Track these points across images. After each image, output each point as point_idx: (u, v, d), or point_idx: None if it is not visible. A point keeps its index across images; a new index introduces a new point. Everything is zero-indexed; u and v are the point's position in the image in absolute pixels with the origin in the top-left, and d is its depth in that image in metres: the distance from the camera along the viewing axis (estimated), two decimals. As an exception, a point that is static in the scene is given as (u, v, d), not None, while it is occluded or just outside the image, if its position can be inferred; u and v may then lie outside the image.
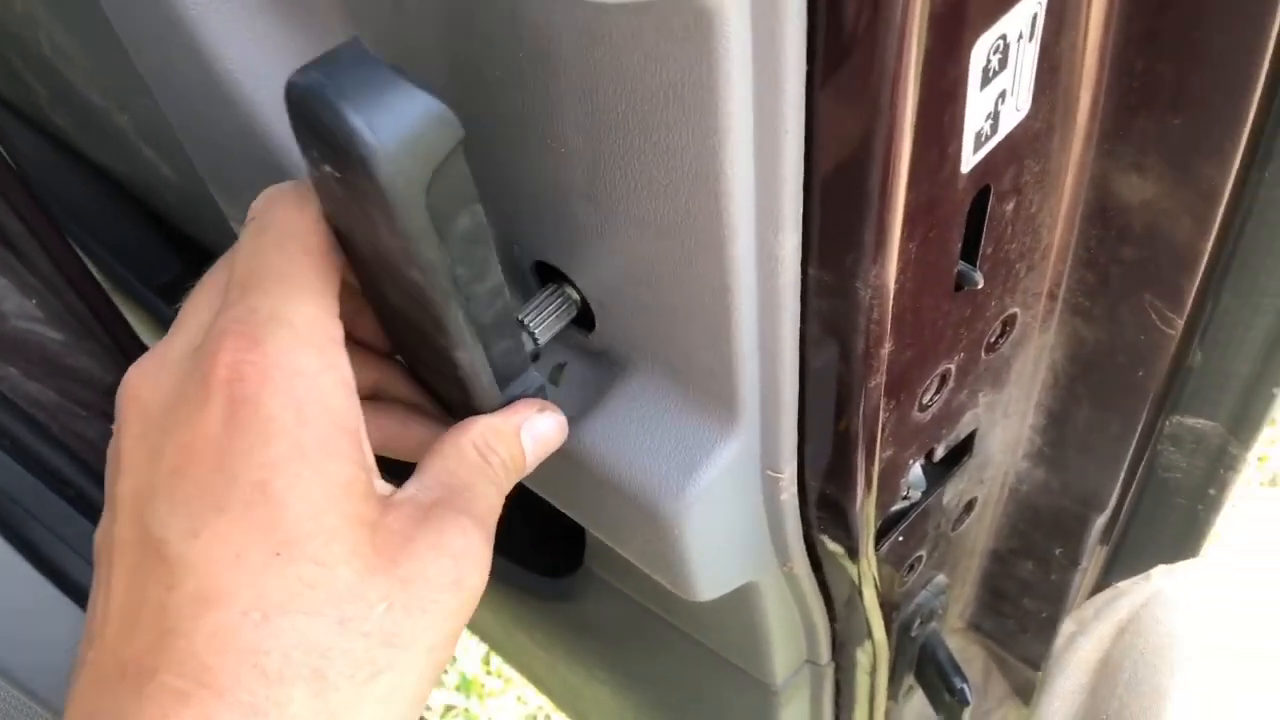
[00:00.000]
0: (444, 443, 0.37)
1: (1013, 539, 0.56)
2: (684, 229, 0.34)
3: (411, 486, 0.35)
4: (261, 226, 0.34)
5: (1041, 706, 0.43)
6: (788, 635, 0.57)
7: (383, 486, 0.34)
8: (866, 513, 0.44)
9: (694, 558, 0.43)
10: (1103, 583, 0.55)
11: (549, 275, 0.43)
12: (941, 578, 0.57)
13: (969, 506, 0.53)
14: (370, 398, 0.41)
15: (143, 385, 0.34)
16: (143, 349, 0.79)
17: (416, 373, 0.41)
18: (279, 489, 0.30)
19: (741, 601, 0.53)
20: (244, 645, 0.29)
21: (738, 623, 0.56)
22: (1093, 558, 0.54)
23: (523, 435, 0.38)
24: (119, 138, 0.70)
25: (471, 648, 1.67)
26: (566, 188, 0.37)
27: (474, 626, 1.17)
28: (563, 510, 0.50)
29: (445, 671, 1.65)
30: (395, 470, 0.37)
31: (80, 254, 0.72)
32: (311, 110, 0.28)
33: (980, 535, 0.57)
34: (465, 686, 1.63)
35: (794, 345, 0.37)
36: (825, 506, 0.44)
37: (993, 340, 0.43)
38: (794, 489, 0.44)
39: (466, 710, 1.62)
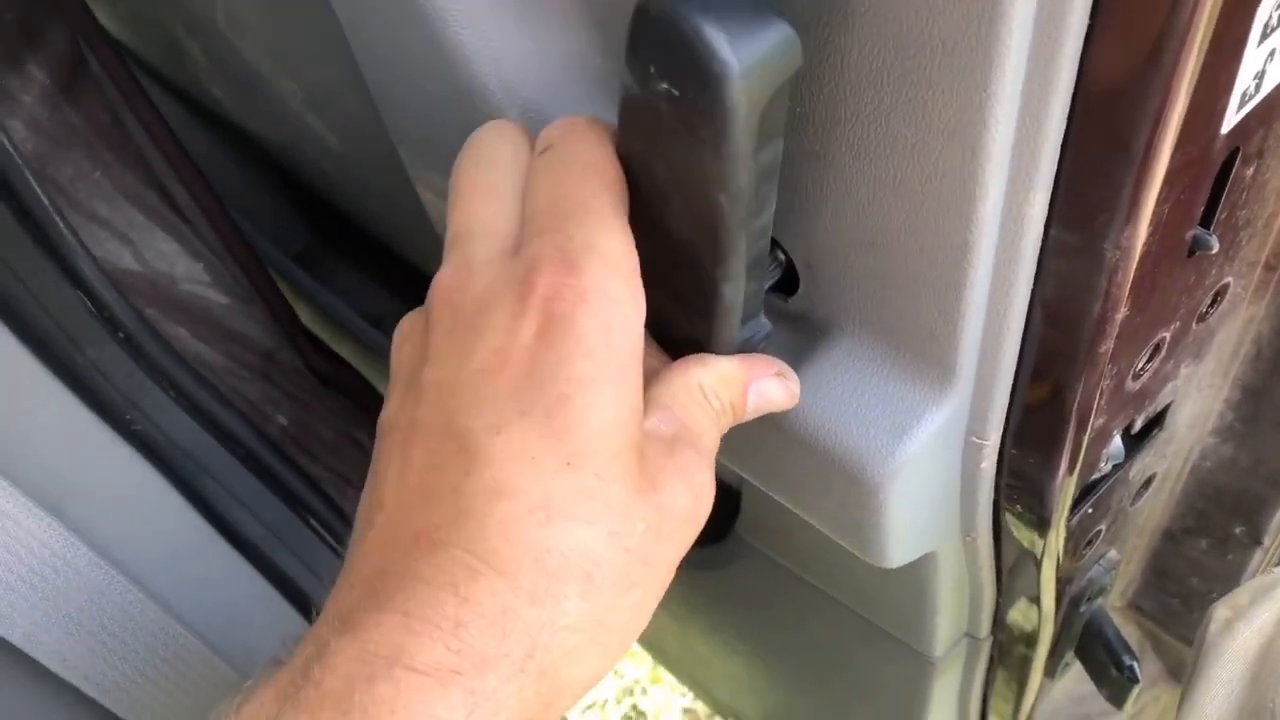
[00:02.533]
0: (672, 377, 0.38)
1: (1188, 517, 0.55)
2: (927, 189, 0.34)
3: (653, 418, 0.37)
4: (564, 157, 0.36)
5: (1195, 695, 0.43)
6: (954, 606, 0.57)
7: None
8: (1067, 484, 0.44)
9: (893, 524, 0.43)
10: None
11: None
12: (1114, 553, 0.56)
13: (1148, 482, 0.53)
14: None
15: (453, 288, 0.36)
16: (295, 316, 0.81)
17: (650, 312, 0.42)
18: (580, 404, 0.33)
19: (915, 570, 0.53)
20: (530, 539, 0.31)
21: (906, 592, 0.56)
22: (1275, 537, 0.53)
23: (751, 392, 0.39)
24: (279, 106, 0.72)
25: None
26: (795, 147, 0.37)
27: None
28: (744, 473, 0.50)
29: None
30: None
31: (237, 223, 0.74)
32: (668, 22, 0.29)
33: (1154, 512, 0.56)
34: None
35: (1023, 308, 0.37)
36: (1023, 475, 0.44)
37: (1204, 310, 0.42)
38: (994, 457, 0.44)
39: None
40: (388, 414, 0.36)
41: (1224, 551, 0.55)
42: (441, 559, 0.31)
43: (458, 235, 0.37)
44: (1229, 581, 0.56)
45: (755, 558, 0.67)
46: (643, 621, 0.34)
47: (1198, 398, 0.48)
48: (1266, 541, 0.53)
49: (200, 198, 0.70)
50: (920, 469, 0.42)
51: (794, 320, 0.45)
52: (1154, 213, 0.33)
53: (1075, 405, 0.39)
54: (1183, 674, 0.68)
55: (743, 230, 0.35)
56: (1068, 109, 0.31)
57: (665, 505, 0.34)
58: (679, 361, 0.39)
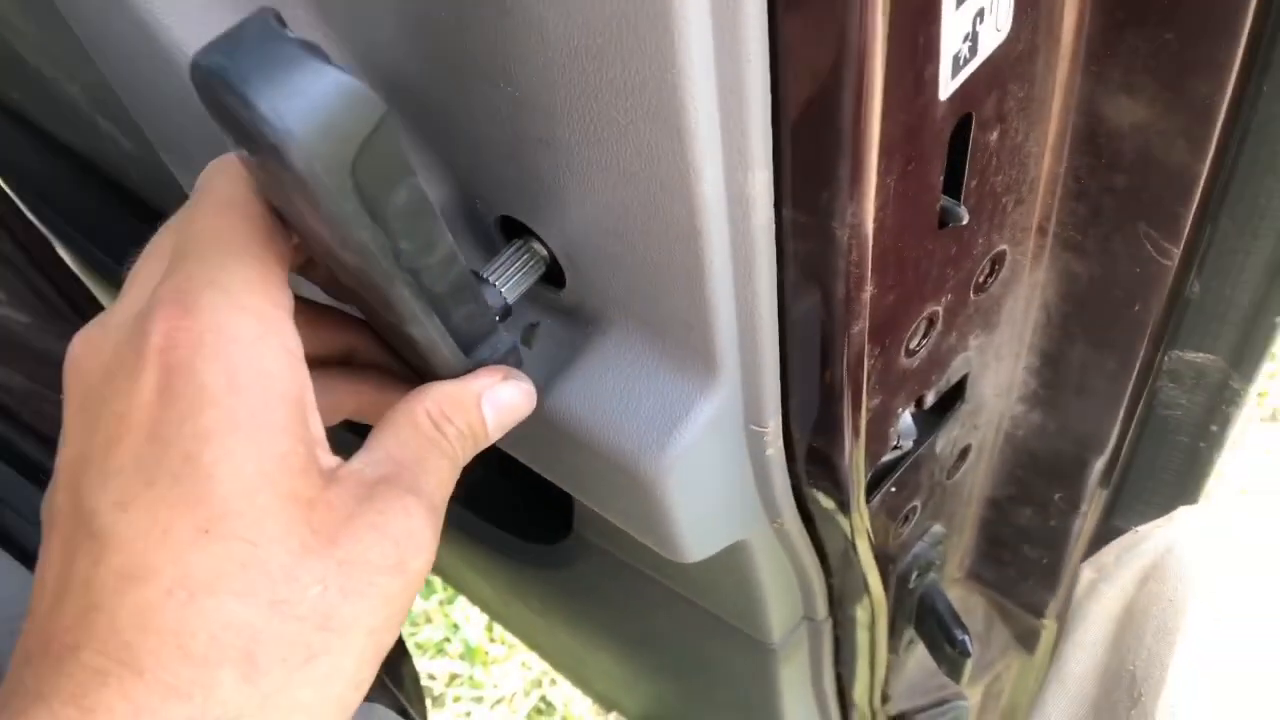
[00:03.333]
0: (396, 412, 0.35)
1: (1010, 485, 0.55)
2: (648, 172, 0.32)
3: (358, 460, 0.34)
4: (203, 195, 0.33)
5: (1063, 657, 0.42)
6: (783, 592, 0.56)
7: (329, 460, 0.32)
8: (856, 464, 0.42)
9: (679, 518, 0.42)
10: (1104, 526, 0.54)
11: (515, 230, 0.41)
12: (938, 528, 0.55)
13: (963, 454, 0.52)
14: (344, 362, 0.39)
15: (84, 354, 0.32)
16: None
17: (384, 339, 0.39)
18: (208, 462, 0.29)
19: (733, 560, 0.51)
20: (167, 625, 0.28)
21: (731, 582, 0.54)
22: (1093, 501, 0.52)
23: (484, 404, 0.36)
24: (74, 110, 0.68)
25: (474, 616, 1.66)
26: (523, 135, 0.35)
27: (472, 596, 1.15)
28: (544, 475, 0.48)
29: (448, 640, 1.65)
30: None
31: (46, 233, 0.70)
32: (217, 95, 0.26)
33: (976, 483, 0.55)
34: (469, 654, 1.63)
35: (772, 293, 0.35)
36: (813, 460, 0.43)
37: (981, 280, 0.41)
38: (780, 443, 0.42)
39: (471, 678, 1.61)
40: (41, 508, 0.33)
41: (1047, 518, 0.55)
42: (70, 667, 0.28)
43: (116, 301, 0.33)
44: (1057, 547, 0.56)
45: (596, 554, 0.65)
46: (342, 692, 0.30)
47: (998, 367, 0.47)
48: (1084, 506, 0.52)
49: (-4, 212, 0.66)
50: (698, 461, 0.40)
51: (568, 314, 0.43)
52: (879, 186, 0.31)
53: (845, 386, 0.38)
54: (1031, 642, 0.68)
55: (397, 280, 0.31)
56: (769, 83, 0.29)
57: (350, 560, 0.30)
58: (405, 397, 0.36)
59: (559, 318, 0.43)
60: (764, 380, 0.39)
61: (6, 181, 0.67)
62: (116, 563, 0.28)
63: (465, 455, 0.36)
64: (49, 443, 0.65)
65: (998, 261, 0.41)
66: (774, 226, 0.33)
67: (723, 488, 0.43)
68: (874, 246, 0.33)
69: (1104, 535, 0.53)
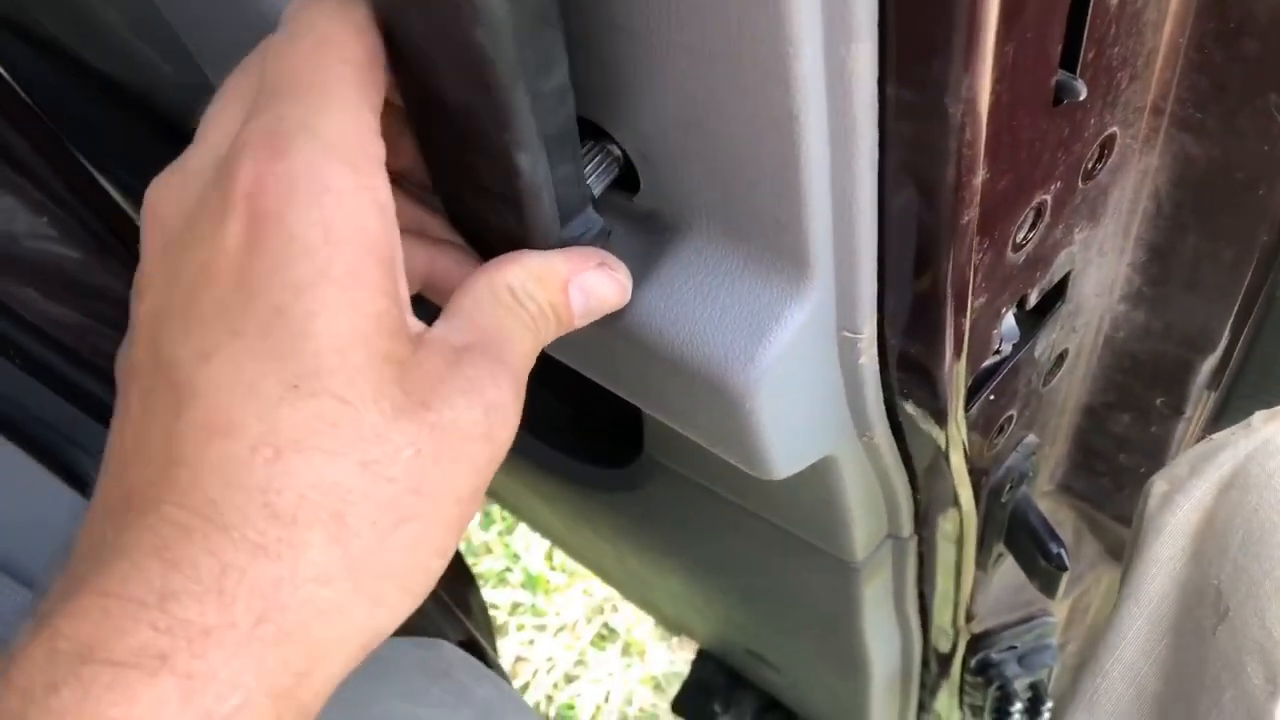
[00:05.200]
0: (476, 280, 0.33)
1: (1108, 391, 0.52)
2: (737, 52, 0.29)
3: (441, 326, 0.32)
4: (295, 32, 0.30)
5: (1136, 574, 0.39)
6: (868, 509, 0.54)
7: (414, 324, 0.31)
8: (956, 371, 0.40)
9: (768, 433, 0.39)
10: (1211, 430, 0.51)
11: (586, 132, 0.38)
12: (1032, 438, 0.52)
13: (1060, 358, 0.49)
14: (413, 233, 0.38)
15: (163, 201, 0.31)
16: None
17: (461, 215, 0.37)
18: (300, 315, 0.27)
19: (818, 477, 0.49)
20: (254, 481, 0.27)
21: (815, 499, 0.52)
22: (1199, 405, 0.49)
23: (572, 289, 0.34)
24: (111, 36, 0.65)
25: (534, 543, 1.67)
26: (599, 22, 0.32)
27: (535, 523, 1.15)
28: (618, 393, 0.46)
29: (509, 570, 1.65)
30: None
31: (90, 168, 0.69)
32: None
33: (1072, 390, 0.52)
34: (530, 583, 1.64)
35: (872, 181, 0.33)
36: (909, 368, 0.40)
37: (1090, 166, 0.38)
38: (874, 350, 0.40)
39: (534, 606, 1.62)
40: (116, 362, 0.32)
41: (1147, 424, 0.52)
42: (150, 520, 0.27)
43: (191, 144, 0.32)
44: (1157, 455, 0.53)
45: (667, 476, 0.63)
46: (429, 560, 0.29)
47: (1101, 263, 0.44)
48: (1189, 411, 0.49)
49: (41, 145, 0.64)
50: (788, 372, 0.38)
51: (642, 221, 0.40)
52: (996, 56, 0.28)
53: (949, 285, 0.35)
54: (1122, 553, 0.65)
55: (521, 82, 0.29)
56: (877, -62, 0.26)
57: (442, 425, 0.29)
58: (488, 264, 0.34)
59: (632, 225, 0.41)
60: (860, 281, 0.36)
61: (49, 117, 0.65)
62: (199, 415, 0.27)
63: (546, 335, 0.34)
64: (108, 379, 0.64)
65: (1107, 145, 0.38)
66: (877, 107, 0.30)
67: (812, 400, 0.41)
68: (988, 125, 0.30)
69: (1196, 444, 0.50)
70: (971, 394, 0.43)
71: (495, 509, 1.71)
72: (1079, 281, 0.44)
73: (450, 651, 0.55)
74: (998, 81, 0.29)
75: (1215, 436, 0.48)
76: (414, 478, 0.28)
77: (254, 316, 0.27)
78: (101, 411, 0.63)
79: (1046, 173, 0.35)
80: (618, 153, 0.38)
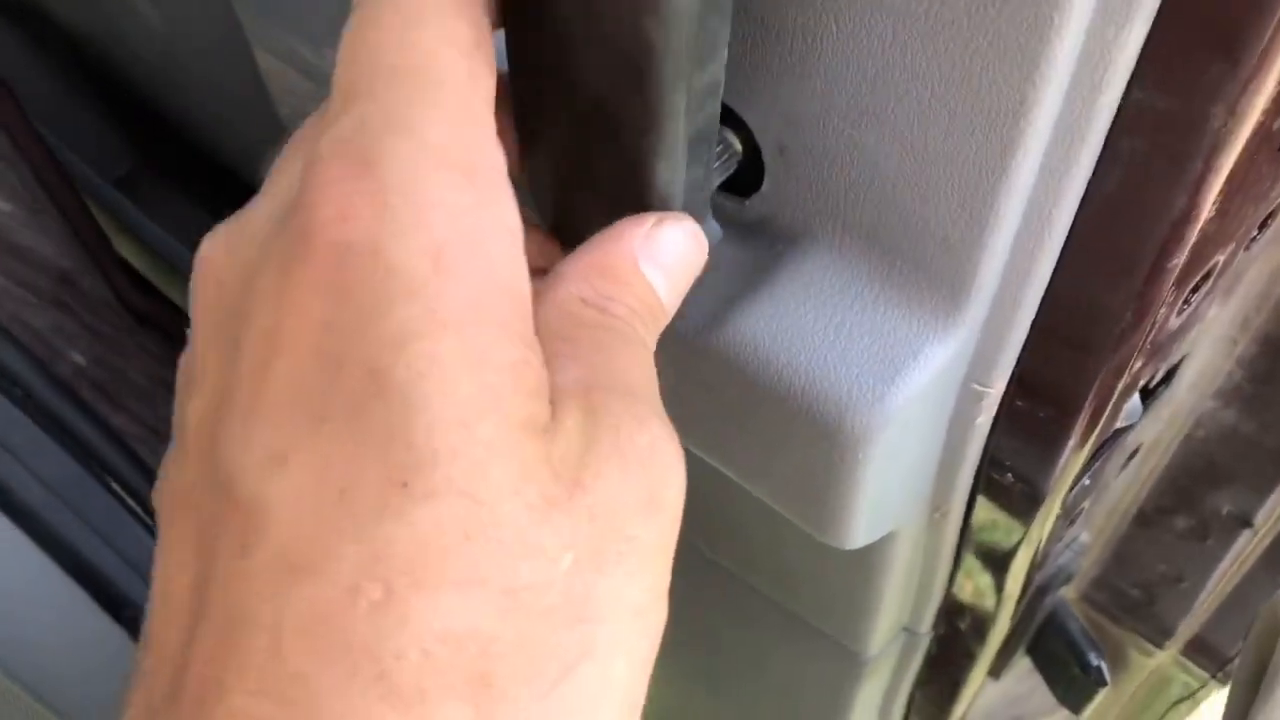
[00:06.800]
0: (541, 304, 0.24)
1: (1169, 495, 0.48)
2: (974, 19, 0.25)
3: (551, 369, 0.23)
4: (370, 14, 0.22)
5: (1276, 698, 0.35)
6: (899, 598, 0.48)
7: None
8: (1082, 447, 0.35)
9: (867, 490, 0.34)
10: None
11: (706, 115, 0.33)
12: (1085, 536, 0.48)
13: (1134, 452, 0.45)
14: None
15: (216, 258, 0.23)
16: (105, 240, 0.67)
17: (563, 223, 0.30)
18: (404, 377, 0.19)
19: (867, 556, 0.43)
20: (356, 640, 0.19)
21: (849, 582, 0.47)
22: (1271, 519, 0.46)
23: (643, 266, 0.26)
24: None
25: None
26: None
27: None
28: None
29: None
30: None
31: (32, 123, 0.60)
32: None
33: (1130, 489, 0.48)
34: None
35: (1074, 206, 0.28)
36: (1025, 435, 0.35)
37: (1255, 234, 0.34)
38: (994, 410, 0.35)
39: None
40: (155, 487, 0.23)
41: (1204, 534, 0.48)
42: (219, 714, 0.19)
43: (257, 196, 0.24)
44: (1205, 570, 0.49)
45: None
46: (619, 711, 0.21)
47: (1209, 351, 0.41)
48: (1257, 522, 0.46)
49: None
50: (911, 422, 0.32)
51: (750, 230, 0.35)
52: (1283, 67, 0.24)
53: (1120, 342, 0.31)
54: (1121, 668, 0.62)
55: (682, 81, 0.24)
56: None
57: (600, 508, 0.21)
58: (540, 283, 0.25)
59: (735, 234, 0.35)
60: (1015, 324, 0.31)
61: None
62: (273, 546, 0.19)
63: (651, 338, 0.26)
64: (26, 351, 0.55)
65: (1273, 214, 0.34)
66: (1114, 111, 0.26)
67: (913, 460, 0.36)
68: (1241, 151, 0.26)
69: (1275, 559, 0.47)
70: (1075, 478, 0.38)
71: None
72: (1185, 368, 0.41)
73: None
74: (1274, 100, 0.25)
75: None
76: (578, 596, 0.20)
77: (341, 390, 0.20)
78: (8, 387, 0.53)
79: (1236, 229, 0.31)
80: (738, 146, 0.33)
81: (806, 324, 0.32)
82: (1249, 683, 0.35)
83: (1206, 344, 0.40)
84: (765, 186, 0.33)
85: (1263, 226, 0.35)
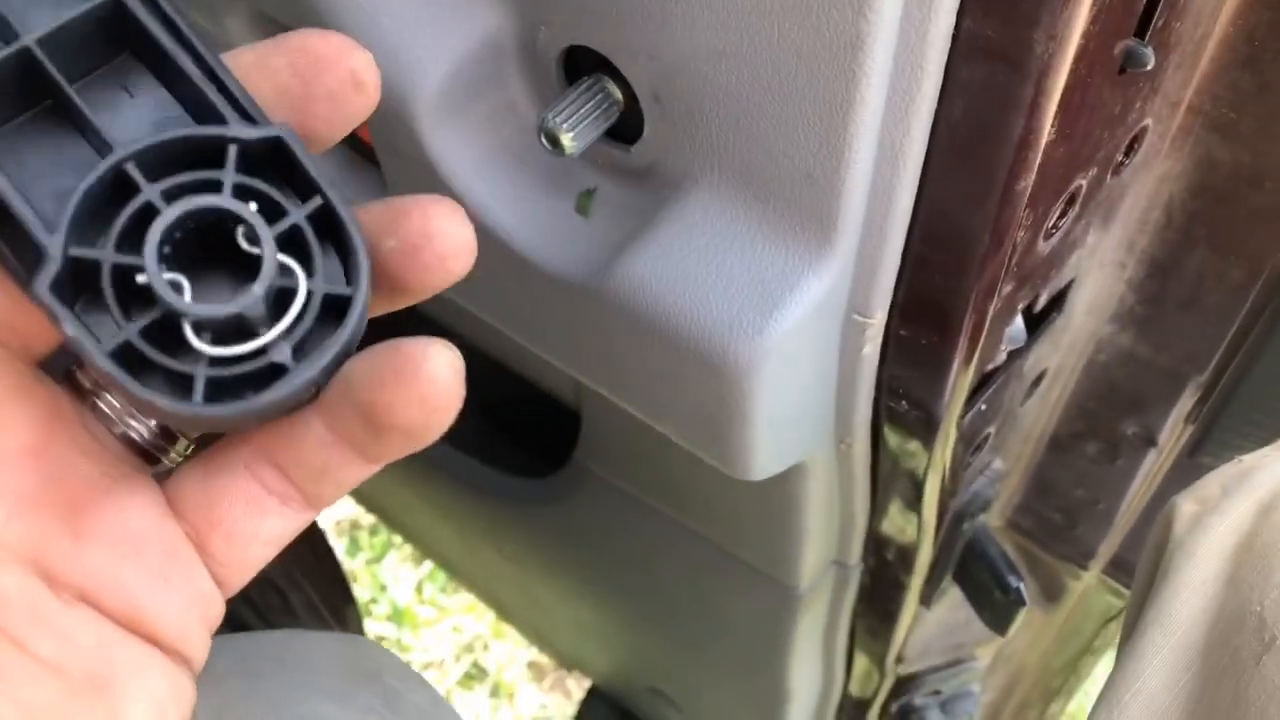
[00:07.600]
0: None
1: (1078, 420, 0.50)
2: (807, -41, 0.26)
3: None
4: None
5: (1163, 598, 0.36)
6: (823, 530, 0.50)
7: None
8: (965, 370, 0.36)
9: (759, 421, 0.35)
10: (1187, 464, 0.49)
11: (585, 65, 0.34)
12: (999, 463, 0.50)
13: (1039, 378, 0.46)
14: None
15: None
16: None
17: None
18: None
19: (780, 487, 0.45)
20: None
21: (770, 514, 0.48)
22: (1173, 437, 0.48)
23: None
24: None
25: (403, 575, 1.58)
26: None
27: (420, 542, 1.08)
28: (581, 376, 0.41)
29: (374, 601, 1.56)
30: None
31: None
32: None
33: (1040, 416, 0.50)
34: (397, 616, 1.55)
35: (924, 135, 0.29)
36: (913, 362, 0.37)
37: (1120, 159, 0.36)
38: (879, 340, 0.36)
39: (399, 641, 1.53)
40: None
41: (1114, 456, 0.50)
42: None
43: None
44: (1118, 491, 0.51)
45: (597, 486, 0.58)
46: None
47: (1099, 276, 0.42)
48: (1161, 440, 0.48)
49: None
50: (793, 352, 0.34)
51: (637, 175, 0.36)
52: (1096, -8, 0.25)
53: (984, 264, 0.32)
54: (1056, 596, 0.63)
55: None
56: None
57: None
58: None
59: (623, 181, 0.36)
60: (885, 253, 0.32)
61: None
62: None
63: None
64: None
65: (1138, 139, 0.36)
66: (949, 43, 0.27)
67: (805, 391, 0.37)
68: (1067, 77, 0.27)
69: (1182, 475, 0.49)
70: (967, 402, 0.40)
71: (363, 535, 1.62)
72: (1075, 293, 0.42)
73: (378, 652, 0.49)
74: (1091, 23, 0.26)
75: (1245, 458, 0.45)
76: None
77: None
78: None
79: (1091, 152, 0.33)
80: (618, 94, 0.34)
81: (689, 265, 0.34)
82: (1144, 584, 0.37)
83: (1095, 269, 0.42)
84: (646, 133, 0.34)
85: (1130, 152, 0.36)
